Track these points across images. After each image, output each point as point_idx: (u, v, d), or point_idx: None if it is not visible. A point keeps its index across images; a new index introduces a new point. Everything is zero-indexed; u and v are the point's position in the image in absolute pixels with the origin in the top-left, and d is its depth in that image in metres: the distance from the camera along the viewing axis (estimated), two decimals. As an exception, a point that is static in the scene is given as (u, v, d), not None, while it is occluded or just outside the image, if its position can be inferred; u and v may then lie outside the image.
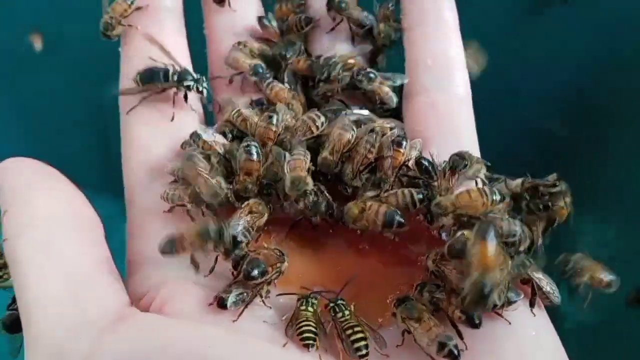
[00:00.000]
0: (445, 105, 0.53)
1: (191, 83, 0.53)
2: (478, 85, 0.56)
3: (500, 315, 0.41)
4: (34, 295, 0.40)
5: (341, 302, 0.42)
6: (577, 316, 0.96)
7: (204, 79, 0.54)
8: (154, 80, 0.53)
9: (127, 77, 0.55)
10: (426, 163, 0.48)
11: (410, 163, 0.48)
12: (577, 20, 0.84)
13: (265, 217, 0.46)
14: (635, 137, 0.88)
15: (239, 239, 0.43)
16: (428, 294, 0.42)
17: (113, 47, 0.58)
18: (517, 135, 0.79)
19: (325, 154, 0.49)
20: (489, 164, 0.51)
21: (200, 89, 0.53)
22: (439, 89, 0.54)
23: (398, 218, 0.45)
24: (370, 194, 0.47)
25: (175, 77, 0.53)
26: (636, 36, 0.83)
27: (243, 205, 0.46)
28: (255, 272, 0.41)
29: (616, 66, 0.88)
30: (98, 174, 0.79)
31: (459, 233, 0.42)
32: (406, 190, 0.46)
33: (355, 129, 0.49)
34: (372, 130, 0.49)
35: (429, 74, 0.55)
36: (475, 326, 0.40)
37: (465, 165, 0.47)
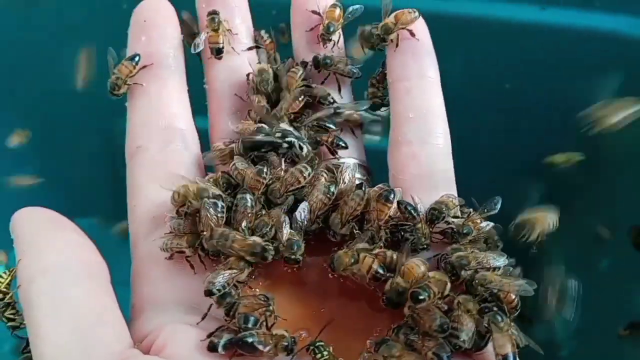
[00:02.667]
0: (425, 157, 0.56)
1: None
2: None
3: (470, 357, 0.44)
4: (44, 338, 0.43)
5: (320, 343, 0.45)
6: (571, 346, 0.98)
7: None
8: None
9: (134, 129, 0.58)
10: (409, 207, 0.51)
11: (392, 211, 0.51)
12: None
13: (246, 273, 0.49)
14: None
15: (221, 292, 0.46)
16: (403, 336, 0.45)
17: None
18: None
19: None
20: (463, 202, 0.56)
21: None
22: (420, 140, 0.57)
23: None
24: (360, 246, 0.50)
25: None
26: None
27: (225, 262, 0.49)
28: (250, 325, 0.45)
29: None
30: (108, 204, 0.81)
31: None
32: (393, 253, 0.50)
33: (334, 190, 0.52)
34: (359, 186, 0.51)
35: (411, 126, 0.57)
36: None
37: (443, 218, 0.52)
